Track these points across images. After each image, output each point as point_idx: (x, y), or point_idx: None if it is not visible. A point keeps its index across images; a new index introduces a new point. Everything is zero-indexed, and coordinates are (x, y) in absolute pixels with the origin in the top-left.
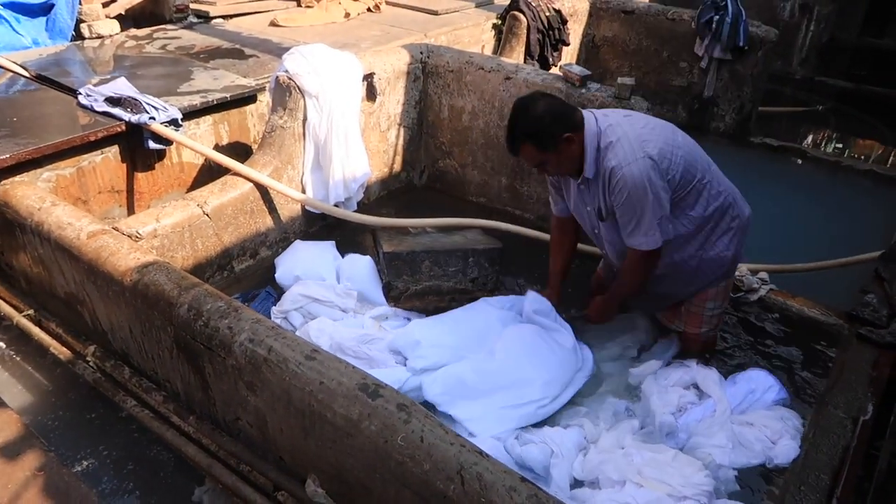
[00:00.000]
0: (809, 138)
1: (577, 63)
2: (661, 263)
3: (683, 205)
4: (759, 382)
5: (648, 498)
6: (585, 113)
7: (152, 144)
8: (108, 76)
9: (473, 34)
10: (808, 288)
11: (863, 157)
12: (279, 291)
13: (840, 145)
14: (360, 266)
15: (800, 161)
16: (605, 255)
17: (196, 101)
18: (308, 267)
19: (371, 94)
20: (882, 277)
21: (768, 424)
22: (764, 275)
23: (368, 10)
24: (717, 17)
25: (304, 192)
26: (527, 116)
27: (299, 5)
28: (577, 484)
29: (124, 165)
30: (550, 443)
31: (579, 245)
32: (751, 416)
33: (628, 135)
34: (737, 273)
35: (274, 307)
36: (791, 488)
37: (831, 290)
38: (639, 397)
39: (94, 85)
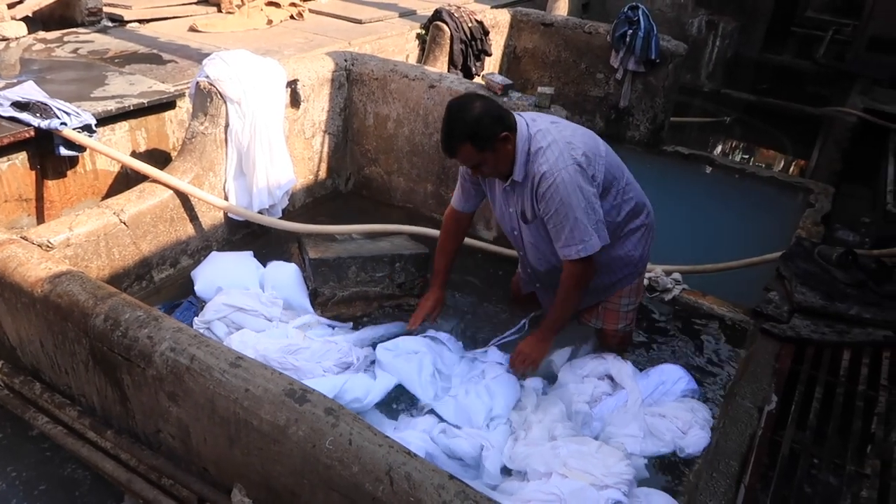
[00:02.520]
0: (718, 147)
1: (500, 73)
2: None
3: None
4: (670, 375)
5: (573, 487)
6: (516, 115)
7: (64, 151)
8: (15, 80)
9: (397, 43)
10: (717, 287)
11: (766, 165)
12: (201, 303)
13: (746, 154)
14: (285, 273)
15: (709, 168)
16: (522, 257)
17: (111, 106)
18: (230, 277)
19: (295, 100)
20: (783, 276)
21: (679, 416)
22: (677, 275)
23: (291, 17)
24: (631, 31)
25: (226, 199)
26: (465, 117)
27: (220, 11)
28: (506, 471)
29: (33, 173)
30: (480, 437)
31: (500, 248)
32: (663, 408)
33: (558, 141)
34: (652, 274)
35: (196, 318)
36: (703, 474)
37: (738, 288)
38: (551, 375)
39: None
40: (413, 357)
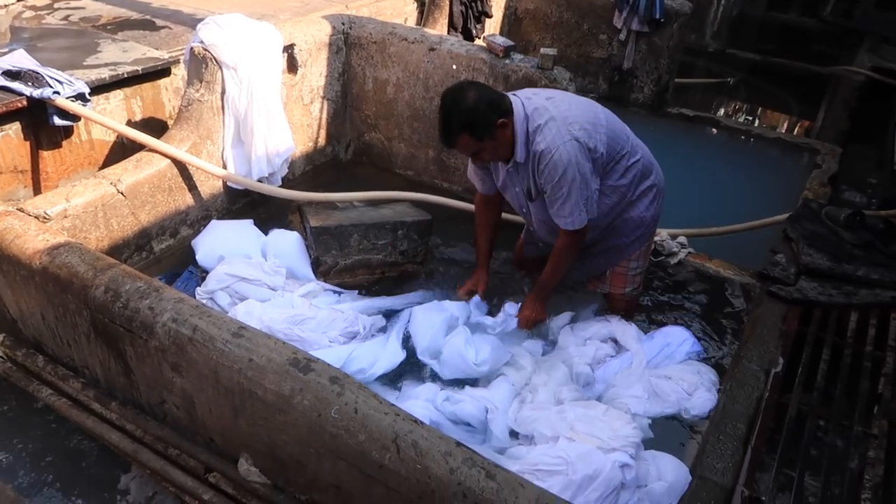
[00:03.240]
0: (722, 109)
1: (501, 35)
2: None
3: (607, 176)
4: (675, 337)
5: (579, 451)
6: (511, 97)
7: (58, 121)
8: (5, 49)
9: (396, 6)
10: (723, 250)
11: (771, 126)
12: (202, 272)
13: (751, 116)
14: (287, 242)
15: (714, 130)
16: (532, 231)
17: (105, 74)
18: (231, 246)
19: (292, 66)
20: (790, 238)
21: (685, 378)
22: (683, 239)
23: None
24: None
25: (225, 167)
26: (460, 108)
27: None
28: (514, 435)
29: (27, 143)
30: (483, 400)
31: (504, 215)
32: (668, 370)
33: (555, 118)
34: (657, 238)
35: (199, 288)
36: (710, 437)
37: (744, 251)
38: (549, 337)
39: None
40: (442, 311)
